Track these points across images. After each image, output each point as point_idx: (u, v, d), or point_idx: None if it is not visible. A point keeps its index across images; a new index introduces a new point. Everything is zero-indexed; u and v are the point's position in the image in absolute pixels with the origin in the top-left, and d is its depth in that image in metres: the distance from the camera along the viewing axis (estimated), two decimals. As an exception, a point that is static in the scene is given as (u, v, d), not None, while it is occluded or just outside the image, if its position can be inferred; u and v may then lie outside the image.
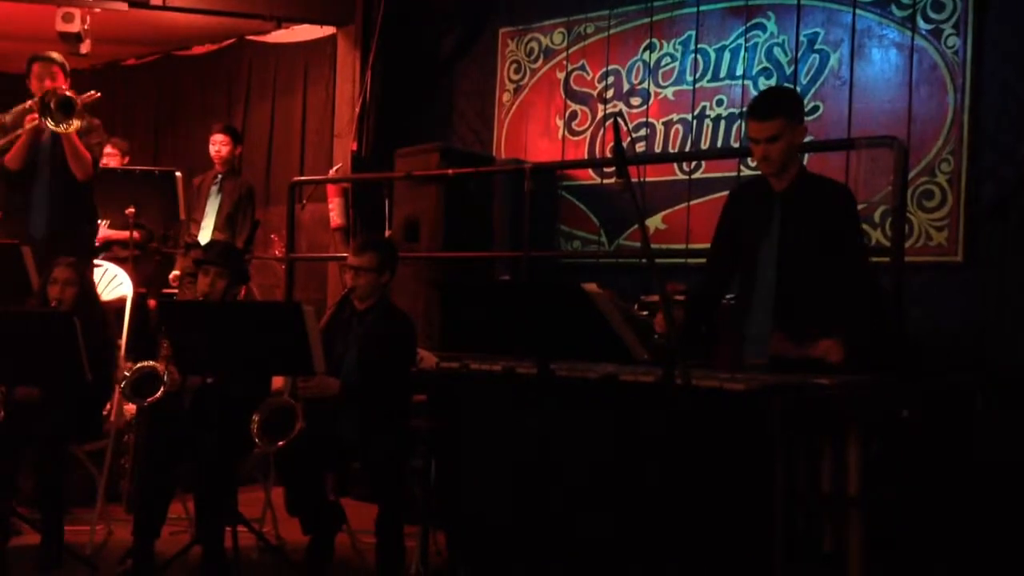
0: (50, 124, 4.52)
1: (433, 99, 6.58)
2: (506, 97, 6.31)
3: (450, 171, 5.40)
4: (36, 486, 3.84)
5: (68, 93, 4.57)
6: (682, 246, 5.22)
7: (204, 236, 6.03)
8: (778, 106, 3.23)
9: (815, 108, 5.03)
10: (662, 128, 5.64)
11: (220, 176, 6.08)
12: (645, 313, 4.45)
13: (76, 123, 4.54)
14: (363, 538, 3.88)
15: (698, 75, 5.52)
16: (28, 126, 4.63)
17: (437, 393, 3.49)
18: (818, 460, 2.80)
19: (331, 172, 6.51)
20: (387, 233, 5.98)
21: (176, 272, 6.04)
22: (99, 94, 4.79)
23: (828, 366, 3.03)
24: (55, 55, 4.82)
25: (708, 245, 3.49)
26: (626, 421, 2.88)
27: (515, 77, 6.28)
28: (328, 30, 6.75)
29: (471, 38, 6.49)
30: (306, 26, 6.87)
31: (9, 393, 3.77)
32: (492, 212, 5.79)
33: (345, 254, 6.37)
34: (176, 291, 5.93)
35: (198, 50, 7.61)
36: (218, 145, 6.06)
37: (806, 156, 4.37)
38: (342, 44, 6.61)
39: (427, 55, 6.62)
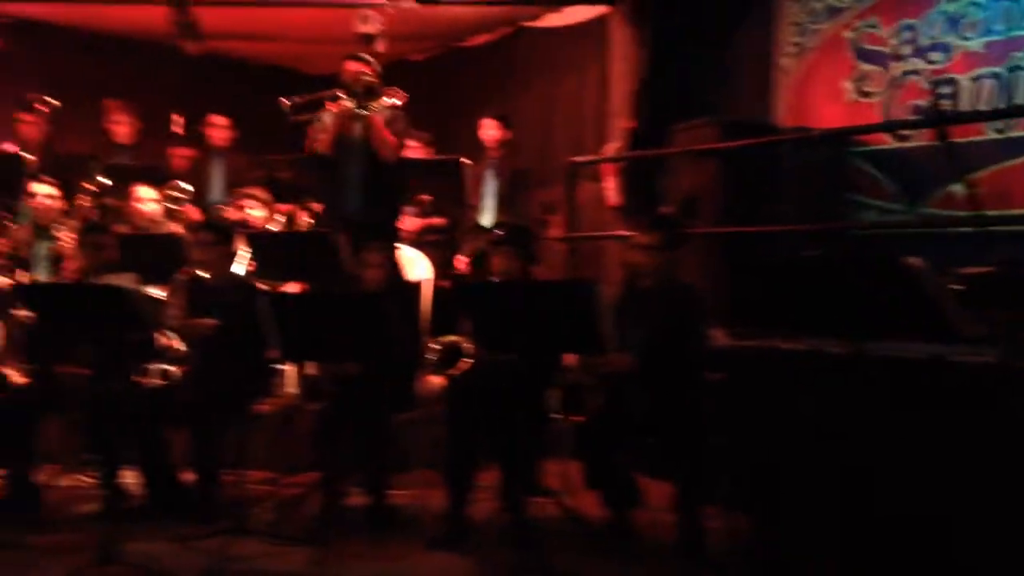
0: (354, 106, 4.95)
1: (709, 72, 6.43)
2: (787, 62, 6.05)
3: (731, 143, 5.28)
4: (361, 453, 4.19)
5: (373, 80, 4.98)
6: (997, 212, 4.77)
7: (485, 220, 6.31)
8: None
9: None
10: (969, 84, 5.17)
11: (493, 161, 6.32)
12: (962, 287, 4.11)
13: (378, 106, 4.95)
14: (661, 515, 3.91)
15: (1011, 24, 5.00)
16: (336, 110, 5.09)
17: (736, 371, 3.44)
18: None
19: (607, 151, 6.56)
20: (665, 210, 5.95)
21: (463, 256, 6.36)
22: (406, 96, 5.17)
23: None
24: (367, 55, 5.27)
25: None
26: (959, 407, 2.68)
27: (797, 40, 6.00)
28: (601, 9, 6.79)
29: (748, 5, 6.28)
30: (579, 7, 6.94)
31: (337, 369, 4.13)
32: (775, 184, 5.59)
33: (623, 232, 6.45)
34: (466, 273, 6.25)
35: (477, 40, 7.91)
36: (490, 130, 6.29)
37: None
38: (615, 22, 6.62)
39: (701, 28, 6.48)
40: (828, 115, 5.77)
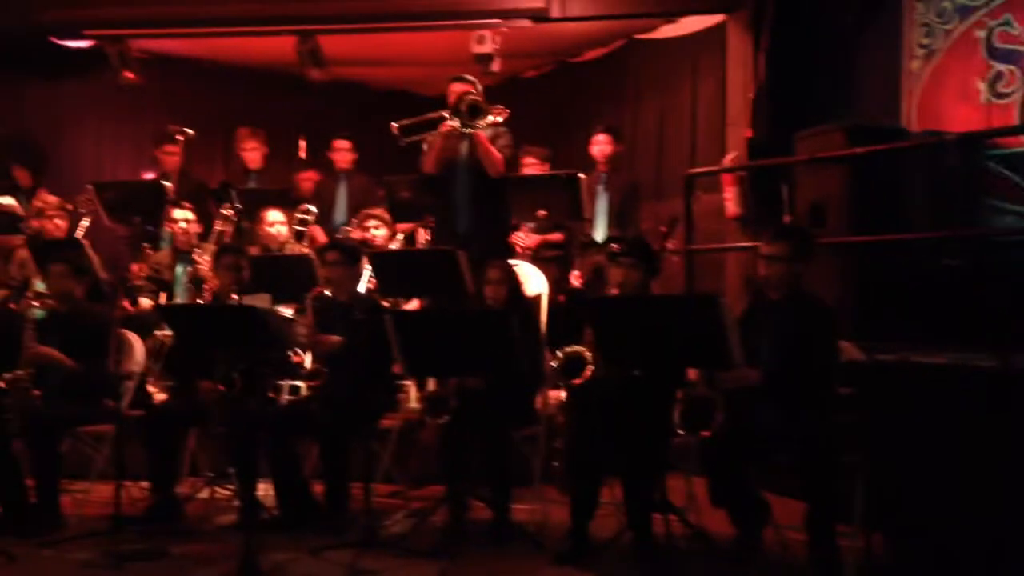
0: (460, 125, 5.05)
1: (832, 77, 6.26)
2: (915, 65, 5.83)
3: (859, 149, 5.13)
4: (484, 467, 4.24)
5: (478, 98, 5.08)
6: None
7: (597, 234, 6.30)
8: None
9: None
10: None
11: (604, 175, 6.31)
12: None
13: (482, 124, 5.03)
14: (791, 534, 3.80)
15: None
16: (441, 131, 5.20)
17: (871, 386, 3.32)
18: None
19: (726, 161, 6.45)
20: (786, 219, 5.82)
21: (577, 271, 6.37)
22: (507, 111, 5.25)
23: None
24: (470, 76, 5.39)
25: None
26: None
27: (925, 42, 5.78)
28: (717, 18, 6.70)
29: (872, 8, 6.09)
30: (694, 17, 6.87)
31: (460, 384, 4.19)
32: (906, 191, 5.39)
33: (743, 244, 6.34)
34: (581, 288, 6.24)
35: (590, 55, 7.93)
36: (601, 145, 6.29)
37: None
38: (733, 30, 6.53)
39: (822, 33, 6.32)
40: (960, 117, 5.53)
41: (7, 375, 4.42)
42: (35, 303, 4.80)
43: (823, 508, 3.47)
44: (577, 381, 4.06)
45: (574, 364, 4.09)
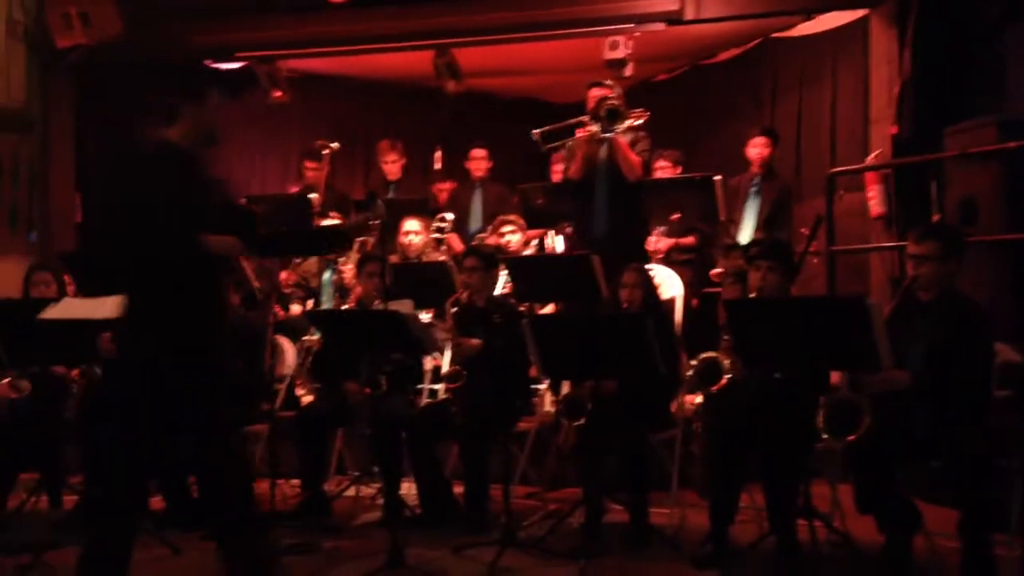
0: (598, 130, 5.07)
1: (980, 71, 5.97)
2: (1074, 53, 5.51)
3: (1011, 144, 4.88)
4: (621, 470, 4.26)
5: (617, 103, 5.09)
6: None
7: (744, 237, 6.18)
8: None
9: None
10: None
11: (758, 178, 6.19)
12: None
13: (621, 129, 5.04)
14: (943, 542, 3.66)
15: None
16: (582, 136, 5.24)
17: (1028, 389, 3.17)
18: None
19: (870, 159, 6.25)
20: (935, 218, 5.59)
21: (718, 270, 6.28)
22: (647, 113, 5.24)
23: None
24: (608, 81, 5.40)
25: None
26: None
27: (1086, 28, 5.46)
28: (858, 13, 6.50)
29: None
30: (833, 14, 6.69)
31: (595, 387, 4.23)
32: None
33: (888, 244, 6.12)
34: (719, 290, 6.16)
35: (724, 56, 7.82)
36: (759, 148, 6.16)
37: None
38: (876, 25, 6.32)
39: (969, 25, 6.05)
40: None
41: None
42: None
43: (977, 515, 3.33)
44: (714, 388, 4.01)
45: (710, 371, 4.05)
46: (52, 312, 4.28)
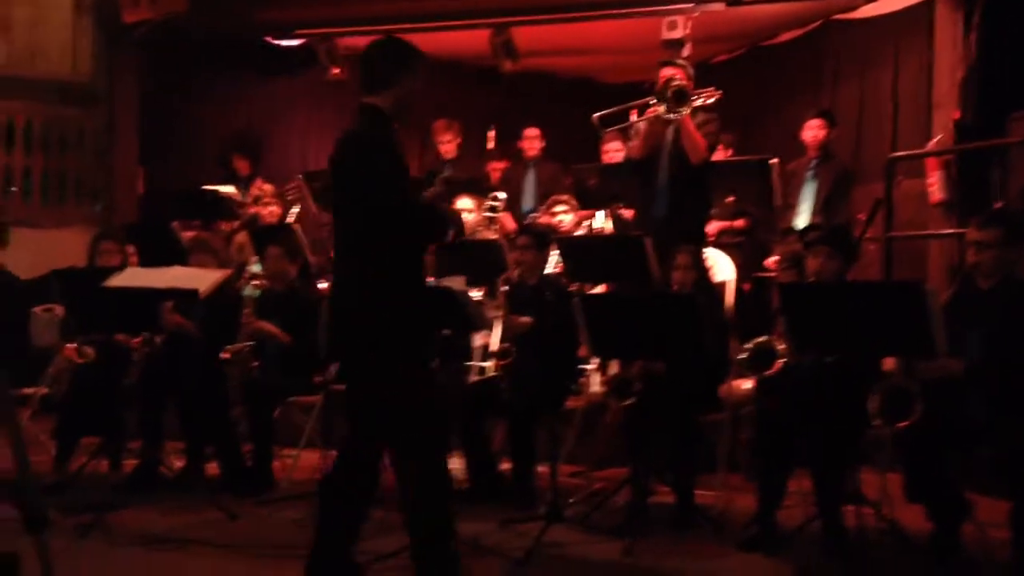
0: (664, 111, 5.02)
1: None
2: None
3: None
4: (668, 451, 4.27)
5: (683, 84, 5.03)
6: None
7: (801, 221, 6.09)
8: None
9: None
10: None
11: (815, 161, 6.09)
12: None
13: (687, 110, 4.98)
14: (994, 533, 3.61)
15: None
16: (649, 115, 5.19)
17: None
18: None
19: (931, 144, 6.13)
20: (997, 205, 5.48)
21: (775, 257, 6.21)
22: (720, 92, 5.17)
23: None
24: (680, 60, 5.35)
25: None
26: None
27: None
28: (923, -5, 6.38)
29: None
30: (899, -6, 6.57)
31: (645, 368, 4.23)
32: None
33: (948, 231, 6.01)
34: (774, 275, 6.10)
35: (784, 37, 7.71)
36: (814, 130, 6.05)
37: None
38: (941, 8, 6.18)
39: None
40: None
41: (230, 348, 4.84)
42: (256, 282, 5.23)
43: (1028, 506, 3.29)
44: (767, 373, 3.99)
45: (764, 355, 4.03)
46: (116, 280, 4.40)
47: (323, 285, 5.57)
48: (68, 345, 4.91)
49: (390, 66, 3.23)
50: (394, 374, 3.13)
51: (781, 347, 3.89)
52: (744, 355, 4.01)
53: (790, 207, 6.12)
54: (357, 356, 3.21)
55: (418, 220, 3.22)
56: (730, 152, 6.63)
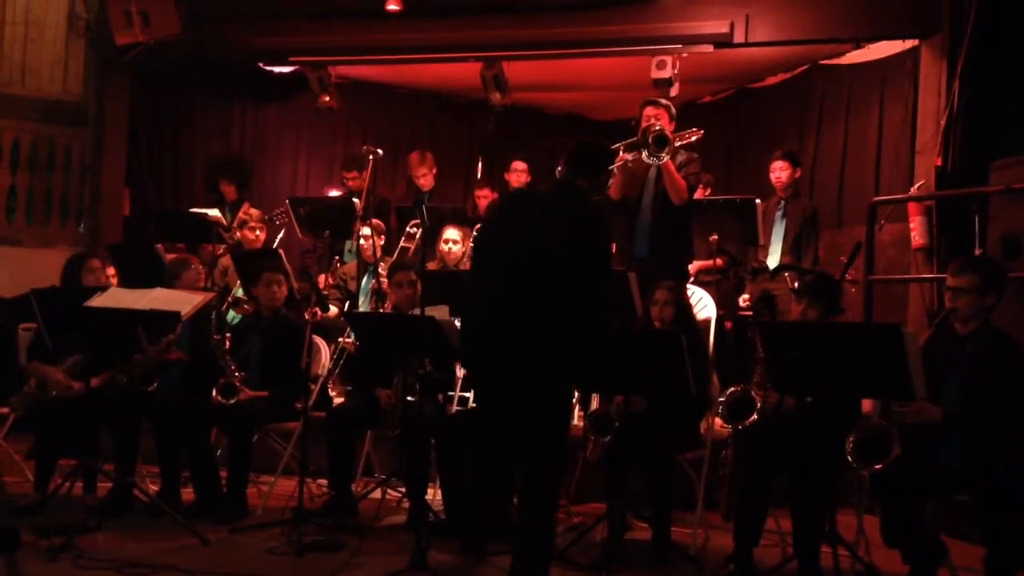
0: (644, 156, 5.09)
1: (1029, 106, 5.92)
2: None
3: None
4: (646, 488, 4.26)
5: (663, 130, 5.10)
6: None
7: (772, 260, 6.22)
8: None
9: None
10: None
11: (783, 201, 6.23)
12: None
13: (666, 157, 5.05)
14: (967, 577, 3.62)
15: None
16: (618, 162, 5.25)
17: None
18: None
19: (913, 190, 6.21)
20: (977, 252, 5.54)
21: (746, 296, 6.27)
22: (701, 132, 5.24)
23: None
24: (664, 100, 5.41)
25: None
26: None
27: None
28: (908, 43, 6.47)
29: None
30: (883, 43, 6.67)
31: (625, 403, 4.24)
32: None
33: (928, 276, 6.06)
34: (750, 314, 6.15)
35: (770, 80, 7.81)
36: (778, 171, 6.23)
37: None
38: (926, 56, 6.27)
39: (1020, 59, 5.99)
40: None
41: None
42: (246, 306, 5.21)
43: (1004, 552, 3.30)
44: (742, 425, 4.03)
45: (741, 405, 4.07)
46: (98, 301, 4.37)
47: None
48: (58, 369, 4.82)
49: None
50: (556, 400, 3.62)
51: (758, 397, 3.92)
52: (721, 403, 4.04)
53: (762, 247, 6.21)
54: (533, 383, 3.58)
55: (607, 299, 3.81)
56: (708, 192, 6.71)
